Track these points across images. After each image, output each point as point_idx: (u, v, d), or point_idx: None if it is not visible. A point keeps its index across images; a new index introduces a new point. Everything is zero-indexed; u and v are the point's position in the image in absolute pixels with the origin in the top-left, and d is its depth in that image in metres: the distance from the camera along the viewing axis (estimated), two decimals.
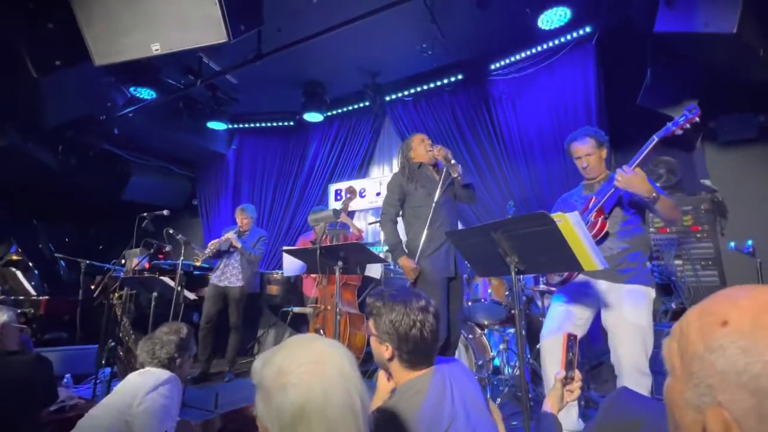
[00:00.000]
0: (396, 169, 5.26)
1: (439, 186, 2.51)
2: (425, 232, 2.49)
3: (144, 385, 1.66)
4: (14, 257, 4.84)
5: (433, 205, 2.48)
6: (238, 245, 4.02)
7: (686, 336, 0.48)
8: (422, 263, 2.51)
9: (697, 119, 1.93)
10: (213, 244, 4.04)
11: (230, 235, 4.03)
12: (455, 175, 2.54)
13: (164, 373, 1.74)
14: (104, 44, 2.47)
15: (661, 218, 2.09)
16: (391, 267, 4.12)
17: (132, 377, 1.75)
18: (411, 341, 1.19)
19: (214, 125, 5.35)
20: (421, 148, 2.74)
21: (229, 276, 4.08)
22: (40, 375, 1.74)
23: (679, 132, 1.97)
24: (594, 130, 2.26)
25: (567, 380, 1.17)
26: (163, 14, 2.35)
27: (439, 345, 1.29)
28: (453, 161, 2.50)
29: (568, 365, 1.17)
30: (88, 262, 4.11)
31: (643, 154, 2.01)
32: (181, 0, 2.32)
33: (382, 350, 1.23)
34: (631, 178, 1.93)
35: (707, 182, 3.62)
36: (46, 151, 4.77)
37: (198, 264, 4.17)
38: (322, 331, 3.63)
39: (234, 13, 2.34)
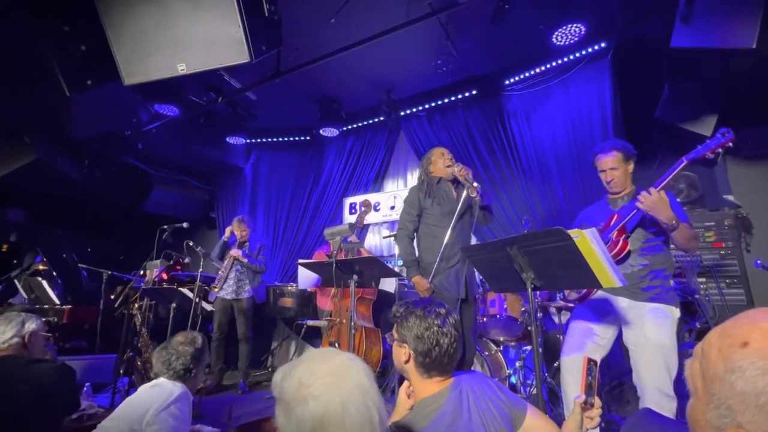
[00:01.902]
0: (410, 183, 5.33)
1: (458, 208, 2.49)
2: (439, 251, 2.49)
3: (155, 400, 1.64)
4: (40, 267, 5.00)
5: (451, 225, 2.48)
6: (245, 260, 4.11)
7: (707, 357, 0.49)
8: (434, 281, 2.51)
9: (731, 144, 1.88)
10: (223, 270, 4.14)
11: (236, 253, 4.11)
12: (473, 195, 2.52)
13: (176, 388, 1.71)
14: (133, 65, 2.59)
15: (675, 245, 2.03)
16: (405, 282, 4.11)
17: (143, 390, 1.73)
18: (426, 343, 1.21)
19: (232, 140, 5.50)
20: (441, 162, 2.73)
21: (236, 288, 4.15)
22: (64, 383, 1.77)
23: (711, 156, 1.92)
24: (622, 143, 2.20)
25: (586, 405, 1.15)
26: (190, 36, 2.46)
27: (457, 359, 1.28)
28: (475, 183, 2.48)
29: (588, 389, 1.15)
30: (110, 272, 4.22)
31: (671, 175, 1.96)
32: (206, 22, 2.44)
33: (401, 353, 1.27)
34: (656, 202, 1.88)
35: (730, 197, 3.54)
36: (72, 165, 4.96)
37: (217, 290, 4.24)
38: (336, 345, 3.63)
39: (256, 35, 2.43)
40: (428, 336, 1.21)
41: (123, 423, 1.58)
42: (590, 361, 1.18)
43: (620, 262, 2.04)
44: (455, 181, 2.76)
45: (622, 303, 2.07)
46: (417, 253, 2.74)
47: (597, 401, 1.15)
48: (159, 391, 1.68)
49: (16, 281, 4.78)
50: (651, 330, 1.94)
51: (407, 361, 1.25)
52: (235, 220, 4.32)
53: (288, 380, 0.81)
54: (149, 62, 2.57)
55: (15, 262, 5.30)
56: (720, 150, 1.91)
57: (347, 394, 0.77)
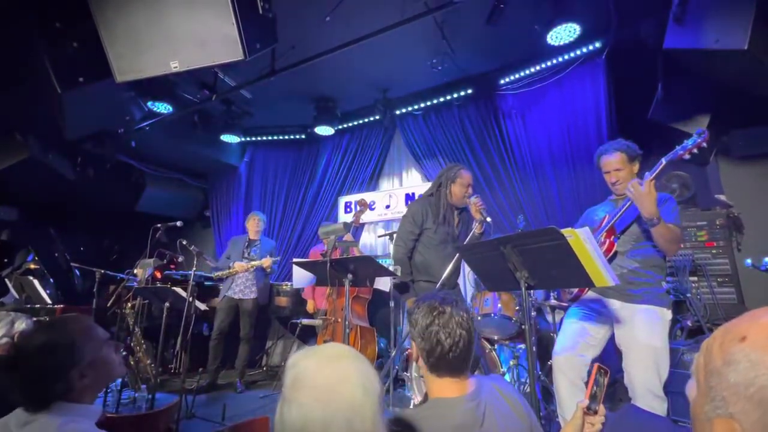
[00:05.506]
0: (405, 181, 5.32)
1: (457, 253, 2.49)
2: (429, 273, 2.57)
3: None
4: (32, 266, 4.95)
5: (452, 256, 2.50)
6: (270, 268, 4.17)
7: (710, 351, 0.50)
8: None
9: (705, 144, 1.90)
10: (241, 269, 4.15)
11: (268, 262, 4.13)
12: (479, 232, 2.54)
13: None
14: (126, 62, 2.56)
15: (657, 243, 2.00)
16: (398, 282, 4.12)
17: None
18: (428, 341, 1.17)
19: (227, 138, 5.47)
20: (462, 192, 2.68)
21: (243, 288, 4.15)
22: None
23: (687, 157, 1.93)
24: (626, 144, 2.18)
25: (589, 411, 1.12)
26: (183, 33, 2.44)
27: (470, 360, 1.25)
28: (488, 219, 2.47)
29: (592, 397, 1.12)
30: (103, 271, 4.19)
31: (652, 176, 1.97)
32: (199, 19, 2.42)
33: (414, 346, 1.25)
34: (643, 194, 1.88)
35: (722, 197, 3.57)
36: (65, 163, 4.92)
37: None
38: None
39: (250, 32, 2.42)
40: (429, 334, 1.17)
41: None
42: (600, 369, 1.14)
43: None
44: (460, 208, 2.76)
45: (614, 304, 2.08)
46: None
47: (601, 409, 1.12)
48: None
49: (7, 280, 4.73)
50: (641, 331, 1.94)
51: (417, 359, 1.23)
52: (251, 215, 4.37)
53: (292, 371, 0.80)
54: (142, 59, 2.54)
55: (6, 260, 5.24)
56: (696, 150, 1.92)
57: (332, 413, 0.74)
